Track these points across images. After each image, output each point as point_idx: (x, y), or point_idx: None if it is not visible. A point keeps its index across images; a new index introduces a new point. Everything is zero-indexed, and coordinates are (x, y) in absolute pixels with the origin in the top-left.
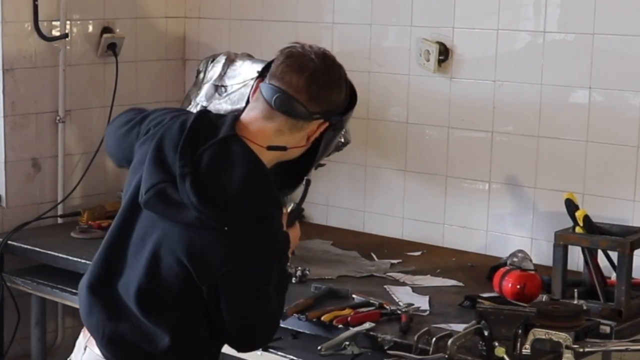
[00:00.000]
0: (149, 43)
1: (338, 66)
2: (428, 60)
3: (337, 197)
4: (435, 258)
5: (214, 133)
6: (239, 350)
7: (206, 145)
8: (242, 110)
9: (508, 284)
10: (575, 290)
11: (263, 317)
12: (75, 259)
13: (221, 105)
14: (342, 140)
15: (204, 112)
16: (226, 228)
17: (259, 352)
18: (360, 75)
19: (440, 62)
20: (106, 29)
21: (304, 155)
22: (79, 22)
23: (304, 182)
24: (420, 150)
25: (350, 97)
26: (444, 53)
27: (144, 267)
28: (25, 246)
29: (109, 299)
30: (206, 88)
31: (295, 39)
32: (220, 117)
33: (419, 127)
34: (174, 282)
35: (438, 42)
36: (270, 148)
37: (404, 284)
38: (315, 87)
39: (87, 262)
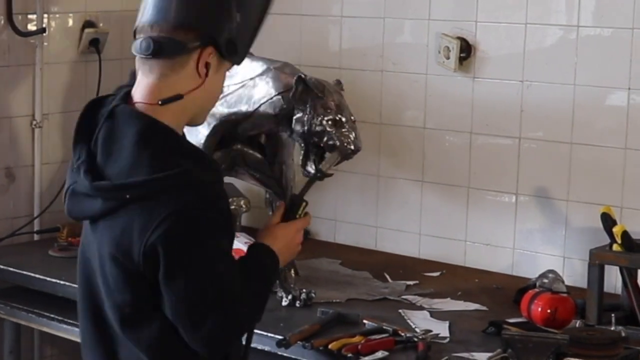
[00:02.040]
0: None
1: None
2: (448, 58)
3: (347, 211)
4: (455, 279)
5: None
6: (200, 350)
7: (97, 129)
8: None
9: (537, 308)
10: (613, 315)
11: (208, 293)
12: (53, 280)
13: (217, 109)
14: (352, 147)
15: (98, 98)
16: (128, 196)
17: None
18: (372, 75)
19: (461, 60)
20: (88, 23)
21: None
22: (57, 16)
23: (308, 175)
24: (439, 159)
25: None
26: (466, 50)
27: (102, 287)
28: None
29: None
30: None
31: (300, 34)
32: (111, 95)
33: (437, 132)
34: (123, 285)
35: (459, 38)
36: (164, 102)
37: (421, 308)
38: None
39: (67, 283)
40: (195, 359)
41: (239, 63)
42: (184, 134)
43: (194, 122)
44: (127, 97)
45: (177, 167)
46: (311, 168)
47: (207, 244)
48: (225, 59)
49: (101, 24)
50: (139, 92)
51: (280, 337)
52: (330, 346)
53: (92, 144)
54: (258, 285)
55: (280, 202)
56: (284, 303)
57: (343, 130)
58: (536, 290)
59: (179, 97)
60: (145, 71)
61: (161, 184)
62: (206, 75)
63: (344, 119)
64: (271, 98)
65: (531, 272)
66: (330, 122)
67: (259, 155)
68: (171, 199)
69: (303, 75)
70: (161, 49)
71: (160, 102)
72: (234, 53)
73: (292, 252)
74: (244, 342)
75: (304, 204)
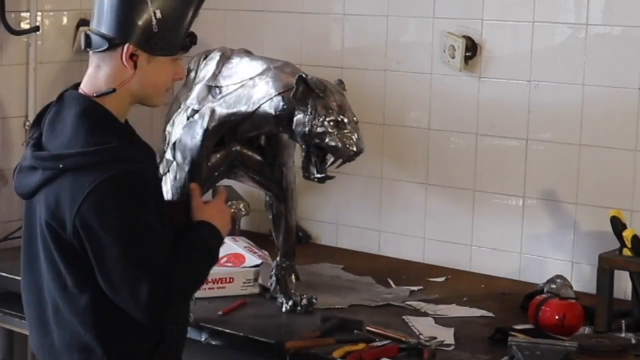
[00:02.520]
0: None
1: None
2: (453, 58)
3: (349, 214)
4: (461, 285)
5: None
6: (140, 318)
7: (48, 111)
8: None
9: (545, 315)
10: (623, 321)
11: (132, 259)
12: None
13: (216, 109)
14: (355, 149)
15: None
16: (61, 165)
17: None
18: (376, 75)
19: (467, 59)
20: (83, 22)
21: None
22: (51, 14)
23: (309, 178)
24: (445, 161)
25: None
26: (472, 49)
27: (44, 260)
28: None
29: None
30: (198, 89)
31: (301, 32)
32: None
33: (443, 134)
34: (58, 254)
35: (465, 37)
36: (98, 95)
37: (425, 314)
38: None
39: None
40: (129, 328)
41: (173, 53)
42: (127, 121)
43: (148, 104)
44: (77, 87)
45: (109, 144)
46: (313, 170)
47: (134, 216)
48: (152, 53)
49: None
50: (84, 82)
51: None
52: (334, 354)
53: (42, 125)
54: (198, 258)
55: (191, 184)
56: (285, 309)
57: (345, 131)
58: (544, 296)
59: (111, 91)
60: (90, 63)
61: (93, 157)
62: (134, 67)
63: (346, 120)
64: (271, 98)
65: (539, 277)
66: (332, 124)
67: (258, 157)
68: (101, 171)
69: (304, 75)
70: (92, 43)
71: (95, 95)
72: (158, 46)
73: (227, 223)
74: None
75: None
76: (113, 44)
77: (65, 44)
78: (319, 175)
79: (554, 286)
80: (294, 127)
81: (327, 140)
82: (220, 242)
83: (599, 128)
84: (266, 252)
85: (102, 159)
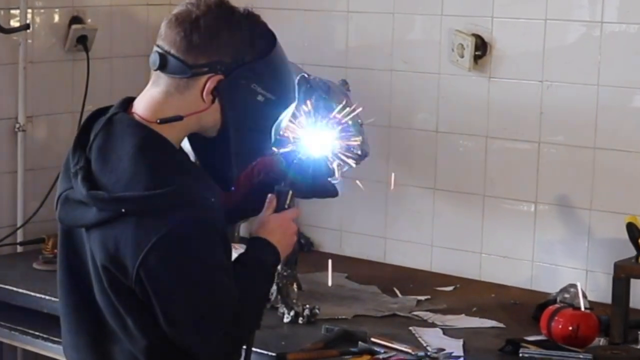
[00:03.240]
0: (126, 35)
1: (229, 8)
2: (462, 57)
3: (353, 221)
4: (470, 294)
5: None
6: None
7: (94, 135)
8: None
9: (558, 325)
10: (639, 332)
11: (204, 309)
12: (38, 295)
13: None
14: (359, 152)
15: (104, 107)
16: (123, 210)
17: None
18: (381, 75)
19: (476, 58)
20: (75, 19)
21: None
22: (42, 11)
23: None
24: (453, 165)
25: (260, 41)
26: (481, 48)
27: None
28: None
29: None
30: None
31: (303, 30)
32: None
33: (451, 136)
34: (115, 298)
35: (474, 35)
36: (162, 121)
37: (433, 325)
38: (193, 35)
39: (53, 298)
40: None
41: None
42: (181, 148)
43: (203, 134)
44: (128, 105)
45: (174, 184)
46: None
47: (204, 265)
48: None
49: (89, 20)
50: (142, 103)
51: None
52: None
53: (88, 150)
54: (259, 284)
55: (269, 195)
56: (286, 320)
57: (350, 133)
58: (557, 305)
59: (178, 118)
60: (154, 82)
61: (158, 200)
62: (212, 102)
63: (350, 122)
64: None
65: (551, 286)
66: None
67: None
68: (167, 216)
69: (306, 75)
70: (167, 66)
71: (158, 121)
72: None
73: (289, 242)
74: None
75: (289, 193)
76: (195, 72)
77: (57, 43)
78: None
79: (567, 295)
80: None
81: None
82: (275, 259)
83: (614, 130)
84: None
85: (168, 202)
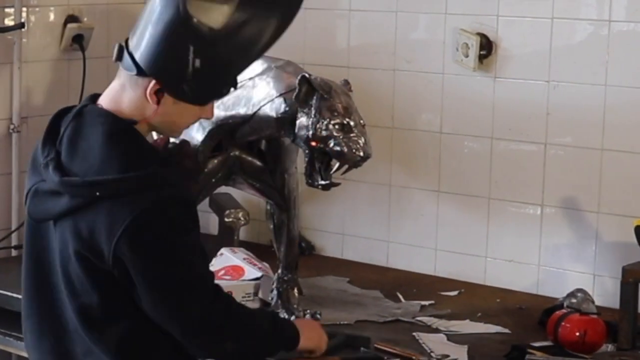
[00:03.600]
0: (123, 35)
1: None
2: (467, 56)
3: (355, 224)
4: (475, 299)
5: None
6: (194, 341)
7: (64, 127)
8: None
9: (565, 331)
10: None
11: (184, 290)
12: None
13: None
14: (361, 153)
15: (67, 107)
16: (98, 193)
17: None
18: (384, 74)
19: (481, 58)
20: (71, 18)
21: None
22: (37, 9)
23: (312, 184)
24: (457, 167)
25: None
26: (487, 47)
27: (65, 289)
28: None
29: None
30: None
31: (304, 28)
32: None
33: (455, 138)
34: (90, 284)
35: (479, 34)
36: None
37: (437, 330)
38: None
39: None
40: (167, 356)
41: (201, 103)
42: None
43: (163, 134)
44: (96, 99)
45: (146, 167)
46: (316, 177)
47: (180, 241)
48: (176, 98)
49: (85, 19)
50: (106, 96)
51: None
52: None
53: (58, 142)
54: (264, 330)
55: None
56: None
57: (351, 135)
58: (564, 311)
59: (132, 122)
60: (118, 75)
61: (131, 183)
62: (157, 103)
63: (352, 123)
64: (272, 100)
65: (558, 291)
66: (337, 127)
67: (258, 163)
68: (139, 198)
69: (307, 75)
70: (120, 58)
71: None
72: (186, 95)
73: (313, 344)
74: None
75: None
76: (140, 72)
77: (52, 42)
78: (323, 182)
79: (574, 300)
80: (296, 130)
81: (331, 145)
82: (294, 338)
83: (622, 131)
84: (267, 264)
85: (141, 185)
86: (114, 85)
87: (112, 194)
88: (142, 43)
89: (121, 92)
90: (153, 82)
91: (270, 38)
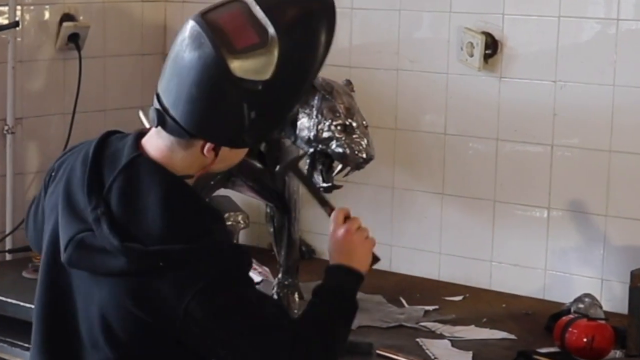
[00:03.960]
0: (120, 33)
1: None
2: (472, 55)
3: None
4: (480, 304)
5: (119, 159)
6: None
7: (113, 177)
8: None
9: (572, 337)
10: None
11: (269, 339)
12: (28, 305)
13: None
14: (364, 155)
15: (105, 135)
16: (161, 264)
17: None
18: (387, 74)
19: (487, 57)
20: (67, 16)
21: None
22: (32, 8)
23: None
24: (462, 169)
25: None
26: (492, 46)
27: (101, 341)
28: None
29: None
30: None
31: None
32: (122, 138)
33: (460, 139)
34: (139, 343)
35: (484, 33)
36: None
37: (441, 336)
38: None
39: None
40: None
41: (256, 143)
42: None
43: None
44: (138, 139)
45: (205, 233)
46: (318, 179)
47: (248, 303)
48: (237, 147)
49: (81, 17)
50: (153, 152)
51: None
52: None
53: (106, 191)
54: (344, 316)
55: (331, 211)
56: None
57: (354, 136)
58: (571, 316)
59: (189, 177)
60: (157, 131)
61: (195, 254)
62: (216, 156)
63: (354, 124)
64: None
65: (565, 296)
66: (339, 128)
67: (258, 165)
68: (206, 266)
69: None
70: (165, 126)
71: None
72: (244, 144)
73: (367, 251)
74: None
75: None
76: (191, 136)
77: (47, 41)
78: (324, 185)
79: (581, 305)
80: (297, 131)
81: (333, 146)
82: (357, 286)
83: (631, 132)
84: (267, 268)
85: (204, 255)
86: (159, 145)
87: (176, 265)
88: (184, 105)
89: (170, 153)
90: (209, 144)
91: (320, 61)
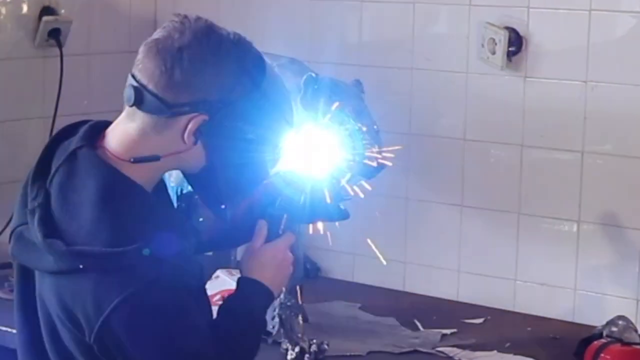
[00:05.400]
0: (105, 28)
1: (217, 36)
2: (494, 53)
3: (367, 242)
4: (503, 327)
5: (68, 149)
6: None
7: (55, 168)
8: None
9: None
10: None
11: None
12: (3, 328)
13: None
14: (374, 163)
15: (79, 123)
16: (81, 266)
17: None
18: (400, 73)
19: (510, 55)
20: (47, 10)
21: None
22: (8, 1)
23: None
24: (483, 178)
25: (249, 73)
26: (516, 43)
27: (48, 345)
28: None
29: None
30: None
31: (310, 22)
32: (82, 124)
33: (480, 145)
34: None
35: (507, 28)
36: (136, 160)
37: None
38: (175, 70)
39: None
40: None
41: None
42: (159, 188)
43: (184, 171)
44: (99, 133)
45: (138, 239)
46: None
47: (173, 325)
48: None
49: (63, 11)
50: (115, 138)
51: None
52: None
53: (49, 182)
54: (249, 335)
55: (259, 221)
56: (290, 357)
57: (363, 142)
58: (603, 340)
59: (154, 158)
60: (128, 114)
61: (120, 259)
62: (194, 143)
63: (364, 129)
64: None
65: (597, 318)
66: (347, 132)
67: None
68: (130, 276)
69: (314, 74)
70: (143, 103)
71: (132, 160)
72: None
73: (284, 275)
74: None
75: (284, 217)
76: (175, 111)
77: (25, 37)
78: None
79: (614, 329)
80: None
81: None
82: (267, 300)
83: None
84: None
85: (131, 262)
86: (126, 129)
87: (98, 268)
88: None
89: (141, 138)
90: (199, 117)
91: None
